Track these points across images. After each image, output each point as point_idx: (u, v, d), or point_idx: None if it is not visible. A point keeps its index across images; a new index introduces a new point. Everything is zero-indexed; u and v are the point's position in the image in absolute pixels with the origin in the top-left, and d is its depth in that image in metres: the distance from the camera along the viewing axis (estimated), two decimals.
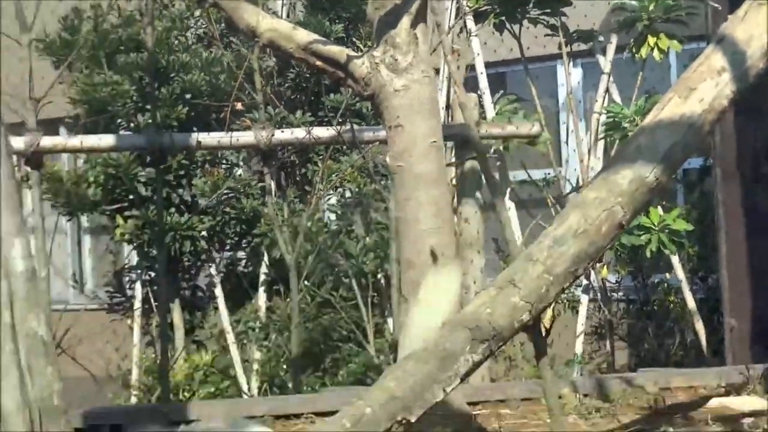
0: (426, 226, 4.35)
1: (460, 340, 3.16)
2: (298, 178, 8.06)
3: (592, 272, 6.92)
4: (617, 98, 7.14)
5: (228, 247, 8.00)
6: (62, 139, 5.75)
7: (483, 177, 5.95)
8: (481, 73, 7.43)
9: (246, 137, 5.74)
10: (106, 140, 5.78)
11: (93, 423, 4.75)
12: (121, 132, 7.64)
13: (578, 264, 3.29)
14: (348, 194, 7.93)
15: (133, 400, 7.54)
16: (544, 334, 3.57)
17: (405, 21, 4.01)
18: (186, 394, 7.33)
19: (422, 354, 3.22)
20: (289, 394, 6.67)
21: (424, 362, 3.17)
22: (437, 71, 6.59)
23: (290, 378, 7.30)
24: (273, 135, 5.66)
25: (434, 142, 4.40)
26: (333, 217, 8.04)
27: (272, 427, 4.90)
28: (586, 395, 4.92)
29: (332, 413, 4.61)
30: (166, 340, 6.24)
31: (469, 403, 4.57)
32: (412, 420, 3.11)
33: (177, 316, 7.60)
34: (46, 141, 5.61)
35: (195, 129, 6.93)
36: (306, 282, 6.99)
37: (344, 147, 7.47)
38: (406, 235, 4.41)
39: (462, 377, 3.17)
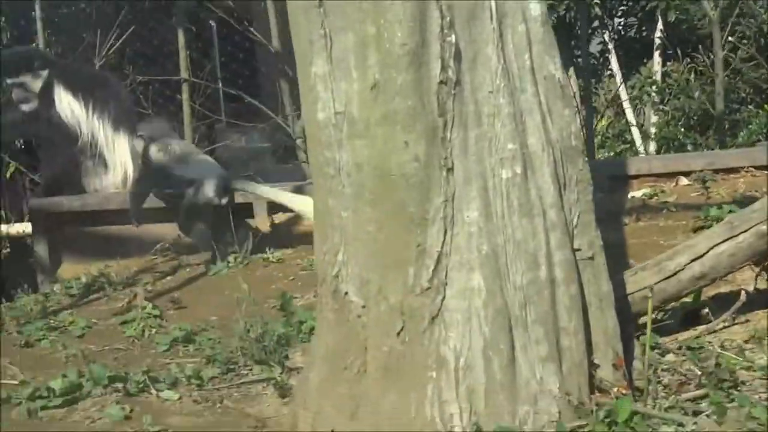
0: None
1: None
2: None
3: None
4: None
5: (620, 13, 7.91)
6: None
7: None
8: None
9: None
10: None
11: None
12: None
13: None
14: None
15: None
16: None
17: None
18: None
19: None
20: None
21: None
22: None
23: (690, 139, 7.27)
24: None
25: None
26: None
27: (714, 179, 4.91)
28: None
29: None
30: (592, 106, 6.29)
31: None
32: None
33: (572, 83, 7.66)
34: None
35: None
36: (730, 38, 6.78)
37: None
38: None
39: None
